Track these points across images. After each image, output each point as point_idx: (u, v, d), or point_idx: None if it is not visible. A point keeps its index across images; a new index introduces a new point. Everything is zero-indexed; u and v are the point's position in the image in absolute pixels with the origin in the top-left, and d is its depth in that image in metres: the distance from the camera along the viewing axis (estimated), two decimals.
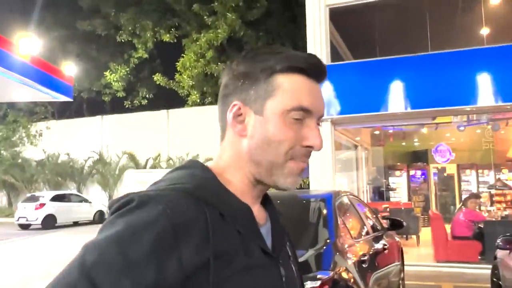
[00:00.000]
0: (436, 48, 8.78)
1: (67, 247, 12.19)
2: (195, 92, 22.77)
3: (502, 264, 4.87)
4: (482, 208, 10.73)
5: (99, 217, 19.21)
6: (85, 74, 24.42)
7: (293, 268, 0.91)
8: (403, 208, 11.12)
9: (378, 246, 4.26)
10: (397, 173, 15.59)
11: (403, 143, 15.56)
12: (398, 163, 16.11)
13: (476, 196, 9.30)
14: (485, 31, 10.16)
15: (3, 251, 11.92)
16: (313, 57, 0.85)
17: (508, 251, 4.64)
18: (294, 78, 0.82)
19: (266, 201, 0.93)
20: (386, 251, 4.41)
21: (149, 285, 0.64)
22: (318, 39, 9.15)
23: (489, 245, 7.25)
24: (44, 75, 8.67)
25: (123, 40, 23.66)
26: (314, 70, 0.84)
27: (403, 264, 5.81)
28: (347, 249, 3.45)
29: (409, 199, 14.82)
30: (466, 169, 15.69)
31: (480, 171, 15.63)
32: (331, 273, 2.93)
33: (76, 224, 18.80)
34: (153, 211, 0.69)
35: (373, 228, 4.65)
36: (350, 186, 12.00)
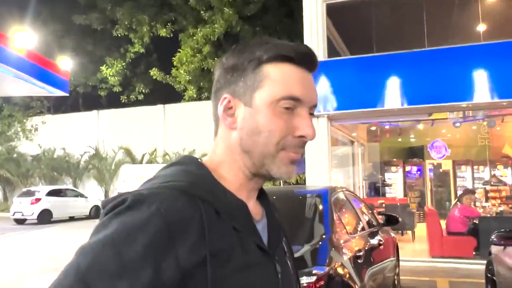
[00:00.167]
0: (433, 44, 8.79)
1: (63, 242, 12.18)
2: (192, 87, 22.72)
3: (496, 260, 4.90)
4: (477, 204, 10.79)
5: (95, 212, 19.17)
6: (81, 69, 24.31)
7: (289, 264, 0.90)
8: (398, 204, 11.16)
9: (374, 241, 4.28)
10: (393, 169, 15.65)
11: (399, 139, 15.60)
12: (394, 159, 16.17)
13: (471, 192, 9.33)
14: (481, 27, 10.18)
15: None
16: (303, 46, 0.84)
17: (502, 247, 4.67)
18: (282, 67, 0.81)
19: (262, 196, 0.92)
20: (381, 247, 4.43)
21: (146, 287, 0.64)
22: (315, 35, 9.14)
23: (483, 241, 7.30)
24: (40, 70, 8.63)
25: (119, 35, 23.55)
26: (303, 59, 0.82)
27: (398, 260, 5.84)
28: (342, 244, 3.47)
29: (405, 195, 14.89)
30: (461, 165, 15.77)
31: (475, 167, 15.71)
32: (327, 269, 2.94)
33: (72, 219, 18.77)
34: (146, 211, 0.68)
35: (369, 223, 4.67)
36: (346, 182, 12.04)
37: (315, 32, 9.14)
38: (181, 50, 22.00)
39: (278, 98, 0.79)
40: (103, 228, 0.69)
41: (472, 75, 8.06)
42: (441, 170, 15.81)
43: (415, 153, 16.35)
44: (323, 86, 8.86)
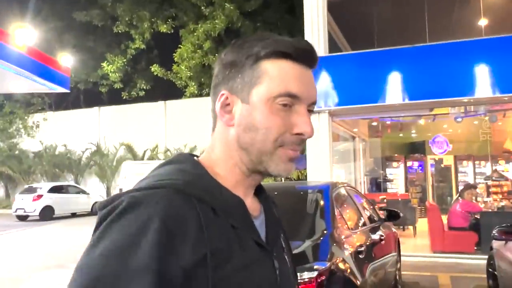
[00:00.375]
0: (434, 39, 8.75)
1: (65, 239, 12.22)
2: (193, 83, 22.69)
3: (497, 255, 4.91)
4: (479, 199, 10.78)
5: None
6: (82, 65, 24.30)
7: (287, 260, 0.90)
8: (400, 199, 11.16)
9: (375, 237, 4.29)
10: (395, 164, 15.65)
11: (401, 135, 15.58)
12: (396, 154, 16.16)
13: (473, 187, 9.33)
14: (483, 22, 10.13)
15: (1, 243, 11.93)
16: (302, 41, 0.82)
17: (503, 242, 4.68)
18: (280, 64, 0.80)
19: (260, 192, 0.92)
20: (382, 242, 4.44)
21: None
22: (316, 30, 9.11)
23: (485, 236, 7.30)
24: (41, 66, 8.63)
25: (120, 31, 23.51)
26: (302, 55, 0.81)
27: (399, 255, 5.85)
28: (344, 240, 3.47)
29: (406, 190, 14.89)
30: (463, 160, 15.76)
31: (477, 162, 15.70)
32: (328, 264, 2.94)
33: (74, 215, 18.83)
34: (143, 213, 0.67)
35: (370, 219, 4.68)
36: (347, 177, 12.03)
37: (316, 28, 9.11)
38: (182, 46, 21.96)
39: (275, 95, 0.78)
40: (101, 239, 0.67)
41: (474, 70, 8.04)
42: (442, 165, 15.81)
43: (416, 149, 16.34)
44: (324, 81, 8.84)
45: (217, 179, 0.80)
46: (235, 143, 0.81)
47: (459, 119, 10.68)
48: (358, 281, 3.25)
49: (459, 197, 8.81)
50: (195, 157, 0.86)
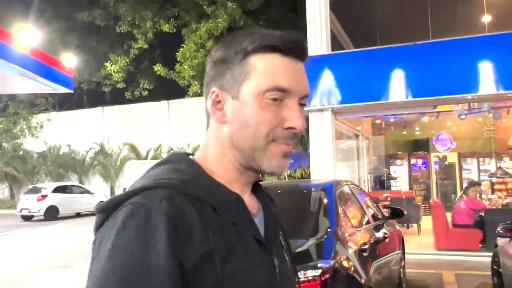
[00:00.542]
0: (437, 36, 8.72)
1: (69, 238, 12.27)
2: (196, 83, 22.69)
3: (502, 252, 4.89)
4: (483, 196, 10.75)
5: None
6: (85, 66, 24.37)
7: (286, 258, 0.90)
8: (404, 197, 11.14)
9: (379, 235, 4.28)
10: (398, 162, 15.61)
11: (404, 132, 15.54)
12: (399, 152, 16.12)
13: (477, 184, 9.30)
14: (486, 18, 10.09)
15: (6, 243, 11.99)
16: (290, 34, 0.81)
17: (508, 239, 4.66)
18: (269, 58, 0.79)
19: (257, 189, 0.91)
20: (386, 240, 4.43)
21: None
22: (319, 28, 9.09)
23: (489, 233, 7.28)
24: (44, 67, 8.66)
25: (122, 31, 23.53)
26: (291, 48, 0.80)
27: (404, 253, 5.84)
28: (348, 238, 3.47)
29: (410, 188, 14.86)
30: (467, 158, 15.70)
31: (481, 159, 15.64)
32: (332, 262, 2.94)
33: (78, 215, 18.90)
34: (149, 216, 0.68)
35: (374, 217, 4.67)
36: (351, 176, 12.02)
37: (319, 26, 9.09)
38: (184, 46, 21.95)
39: (264, 89, 0.77)
40: (114, 253, 0.67)
41: (477, 66, 8.00)
42: (446, 163, 15.75)
43: (420, 146, 16.29)
44: (327, 79, 8.83)
45: (214, 177, 0.80)
46: (228, 140, 0.81)
47: (463, 116, 10.65)
48: (362, 279, 3.25)
49: (463, 195, 8.78)
50: (189, 156, 0.86)
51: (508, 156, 15.33)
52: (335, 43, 9.99)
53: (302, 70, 0.82)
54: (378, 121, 13.42)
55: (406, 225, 10.67)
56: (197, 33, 21.59)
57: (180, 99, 23.61)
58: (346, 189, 4.41)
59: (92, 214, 19.07)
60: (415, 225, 10.60)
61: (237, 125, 0.79)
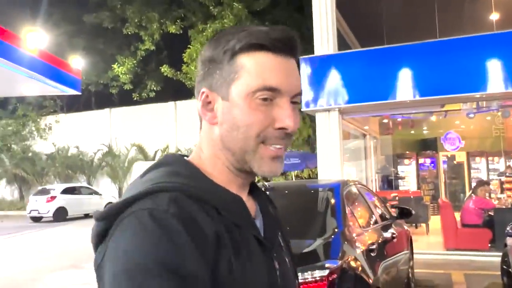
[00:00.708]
0: (445, 34, 8.67)
1: (78, 239, 12.34)
2: None
3: None
4: (492, 195, 10.67)
5: None
6: (93, 67, 24.51)
7: (286, 259, 0.88)
8: (412, 197, 11.08)
9: (387, 235, 4.26)
10: (406, 161, 15.53)
11: (412, 131, 15.45)
12: (407, 152, 16.04)
13: (486, 183, 9.23)
14: (494, 16, 10.01)
15: (16, 244, 12.10)
16: (278, 30, 0.78)
17: None
18: (257, 56, 0.76)
19: (254, 190, 0.89)
20: (394, 240, 4.41)
21: None
22: (325, 28, 9.07)
23: (499, 232, 7.21)
24: (52, 69, 8.72)
25: (129, 33, 23.64)
26: (279, 45, 0.77)
27: (412, 253, 5.81)
28: (355, 238, 3.46)
29: (418, 188, 14.78)
30: (476, 157, 15.59)
31: (490, 158, 15.52)
32: (340, 262, 2.94)
33: (87, 216, 19.00)
34: (162, 222, 0.65)
35: (382, 217, 4.65)
36: (358, 175, 11.98)
37: (325, 26, 9.08)
38: (191, 46, 22.00)
39: (253, 89, 0.75)
40: (133, 275, 0.62)
41: (486, 65, 7.94)
42: (455, 162, 15.65)
43: (428, 145, 16.19)
44: (334, 79, 8.81)
45: (211, 178, 0.78)
46: (220, 142, 0.79)
47: (471, 115, 10.56)
48: (370, 279, 3.24)
49: (472, 194, 8.72)
50: (184, 157, 0.84)
51: None
52: (342, 42, 9.97)
53: (293, 66, 0.80)
54: (385, 121, 13.36)
55: (414, 225, 10.61)
56: (204, 34, 21.64)
57: (187, 100, 23.66)
58: (354, 189, 4.40)
59: None
60: (423, 225, 10.54)
61: (228, 126, 0.77)
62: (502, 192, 13.04)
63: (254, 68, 0.76)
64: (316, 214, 3.68)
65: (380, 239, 3.98)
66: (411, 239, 5.82)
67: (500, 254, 5.57)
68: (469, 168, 15.47)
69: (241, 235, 0.73)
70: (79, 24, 24.75)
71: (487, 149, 15.44)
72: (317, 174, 9.75)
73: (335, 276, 2.78)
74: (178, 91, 24.32)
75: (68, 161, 24.36)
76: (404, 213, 5.03)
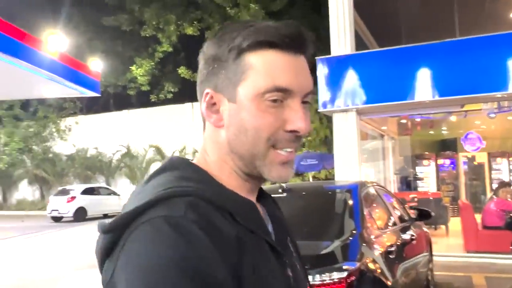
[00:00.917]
0: (464, 33, 8.54)
1: None
2: None
3: None
4: None
5: None
6: (111, 70, 24.83)
7: (297, 264, 0.84)
8: (431, 198, 10.93)
9: (406, 236, 4.21)
10: (425, 162, 15.31)
11: (431, 132, 15.23)
12: (426, 152, 15.83)
13: (508, 184, 9.05)
14: None
15: (37, 243, 12.32)
16: (288, 26, 0.73)
17: None
18: (266, 55, 0.72)
19: (261, 194, 0.85)
20: (413, 242, 4.36)
21: None
22: (342, 28, 9.02)
23: None
24: (72, 72, 8.84)
25: (147, 35, 23.91)
26: (289, 42, 0.72)
27: (431, 255, 5.74)
28: (373, 240, 3.43)
29: (438, 189, 14.56)
30: (497, 158, 15.28)
31: (511, 159, 15.20)
32: (358, 264, 2.92)
33: (106, 216, 19.25)
34: (181, 231, 0.60)
35: (400, 218, 4.60)
36: (376, 176, 11.87)
37: (342, 26, 9.02)
38: None
39: (262, 91, 0.71)
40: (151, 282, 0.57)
41: (507, 64, 7.79)
42: (475, 163, 15.37)
43: (447, 146, 15.95)
44: (351, 80, 8.75)
45: (221, 183, 0.74)
46: (227, 146, 0.75)
47: (492, 115, 10.37)
48: (389, 282, 3.21)
49: (494, 196, 8.57)
50: (190, 161, 0.79)
51: None
52: (359, 42, 9.89)
53: (303, 64, 0.75)
54: (403, 121, 13.21)
55: (433, 226, 10.46)
56: None
57: None
58: (372, 190, 4.36)
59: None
60: (443, 226, 10.39)
61: (235, 130, 0.73)
62: None
63: (263, 67, 0.71)
64: (333, 216, 3.66)
65: (399, 241, 3.94)
66: (430, 241, 5.74)
67: None
68: (490, 169, 15.18)
69: (257, 242, 0.69)
70: (98, 26, 25.12)
71: (508, 150, 15.14)
72: (334, 175, 9.69)
73: (353, 278, 2.76)
74: (195, 92, 24.11)
75: (87, 162, 24.73)
76: (423, 215, 4.97)
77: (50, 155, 25.85)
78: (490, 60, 7.88)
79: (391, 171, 12.99)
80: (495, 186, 11.99)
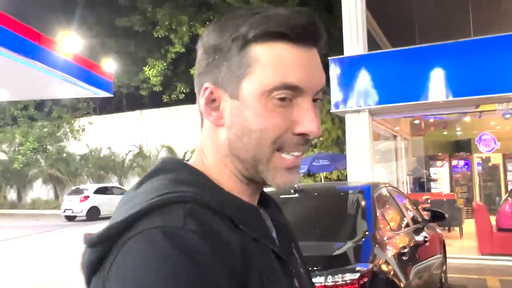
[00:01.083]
0: (479, 33, 8.44)
1: None
2: None
3: None
4: None
5: None
6: (124, 70, 25.04)
7: (301, 270, 0.78)
8: (445, 200, 10.81)
9: (419, 238, 4.17)
10: (439, 163, 15.17)
11: (445, 133, 15.09)
12: (440, 153, 15.69)
13: None
14: None
15: (51, 242, 12.46)
16: (300, 14, 0.65)
17: None
18: (275, 47, 0.64)
19: (261, 197, 0.77)
20: (427, 244, 4.32)
21: None
22: (355, 28, 8.98)
23: None
24: (86, 72, 8.94)
25: (160, 36, 24.06)
26: (302, 33, 0.64)
27: (445, 257, 5.68)
28: (386, 241, 3.41)
29: (452, 190, 14.41)
30: None
31: None
32: (371, 266, 2.90)
33: None
34: (182, 243, 0.53)
35: (414, 220, 4.56)
36: (389, 177, 11.78)
37: (355, 26, 8.98)
38: None
39: (269, 88, 0.63)
40: None
41: None
42: (490, 164, 15.18)
43: (461, 147, 15.79)
44: (364, 80, 8.71)
45: (221, 186, 0.67)
46: (227, 147, 0.68)
47: (508, 116, 10.22)
48: (401, 283, 3.18)
49: (509, 197, 8.45)
50: (185, 162, 0.72)
51: None
52: (372, 42, 9.84)
53: (315, 59, 0.67)
54: (417, 122, 13.10)
55: (447, 228, 10.36)
56: None
57: None
58: (384, 191, 4.33)
59: None
60: (457, 228, 10.28)
61: (238, 131, 0.65)
62: None
63: (271, 61, 0.63)
64: (346, 217, 3.64)
65: (412, 242, 3.90)
66: (444, 243, 5.68)
67: None
68: (505, 170, 14.97)
69: (261, 251, 0.63)
70: (111, 27, 25.35)
71: None
72: (346, 176, 9.64)
73: (366, 279, 2.74)
74: None
75: (101, 162, 24.97)
76: (436, 216, 4.92)
77: (64, 155, 26.16)
78: (505, 60, 7.78)
79: (404, 172, 12.88)
80: (510, 187, 11.82)
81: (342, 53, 9.10)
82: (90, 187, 19.91)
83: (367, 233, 3.32)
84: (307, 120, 0.65)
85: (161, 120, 24.64)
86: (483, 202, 12.56)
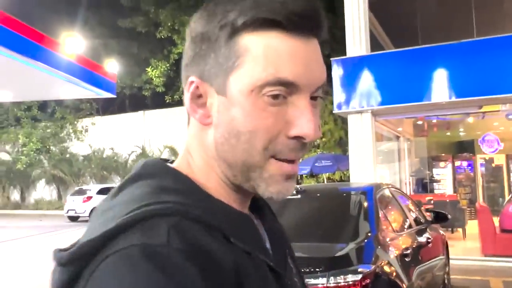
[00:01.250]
0: (482, 33, 8.42)
1: None
2: None
3: None
4: None
5: None
6: (127, 71, 25.09)
7: (296, 280, 0.70)
8: (448, 201, 10.79)
9: (422, 239, 4.17)
10: (442, 164, 15.14)
11: (448, 133, 15.05)
12: (443, 154, 15.66)
13: None
14: None
15: (54, 242, 12.50)
16: (296, 1, 0.56)
17: None
18: (267, 37, 0.55)
19: (256, 205, 0.70)
20: (430, 245, 4.31)
21: None
22: (357, 29, 8.97)
23: None
24: (89, 73, 8.96)
25: (162, 36, 24.10)
26: (298, 21, 0.55)
27: (448, 258, 5.66)
28: (389, 242, 3.40)
29: (455, 191, 14.37)
30: None
31: None
32: (373, 267, 2.89)
33: None
34: (163, 269, 0.46)
35: (416, 221, 4.55)
36: (392, 178, 11.76)
37: (357, 26, 8.97)
38: None
39: (260, 83, 0.55)
40: None
41: None
42: (493, 165, 15.13)
43: (465, 148, 15.75)
44: (367, 81, 8.70)
45: (209, 192, 0.60)
46: (214, 150, 0.60)
47: (511, 117, 10.21)
48: (404, 285, 3.17)
49: None
50: (168, 164, 0.65)
51: None
52: (374, 43, 9.83)
53: (314, 50, 0.58)
54: (420, 122, 13.08)
55: (450, 229, 10.33)
56: None
57: None
58: (387, 192, 4.32)
59: None
60: (460, 229, 10.25)
61: (225, 131, 0.58)
62: None
63: (263, 53, 0.55)
64: (348, 218, 3.63)
65: (415, 243, 3.90)
66: (447, 244, 5.66)
67: None
68: (509, 171, 14.92)
69: (254, 265, 0.56)
70: (114, 28, 25.42)
71: None
72: (349, 177, 9.63)
73: (368, 280, 2.74)
74: None
75: (103, 162, 25.04)
76: (439, 217, 4.90)
77: (67, 155, 26.24)
78: (509, 60, 7.76)
79: (406, 173, 12.86)
80: None
81: (345, 54, 9.09)
82: (93, 187, 19.96)
83: (369, 234, 3.32)
84: (303, 121, 0.56)
85: (164, 120, 24.68)
86: (486, 203, 12.53)
